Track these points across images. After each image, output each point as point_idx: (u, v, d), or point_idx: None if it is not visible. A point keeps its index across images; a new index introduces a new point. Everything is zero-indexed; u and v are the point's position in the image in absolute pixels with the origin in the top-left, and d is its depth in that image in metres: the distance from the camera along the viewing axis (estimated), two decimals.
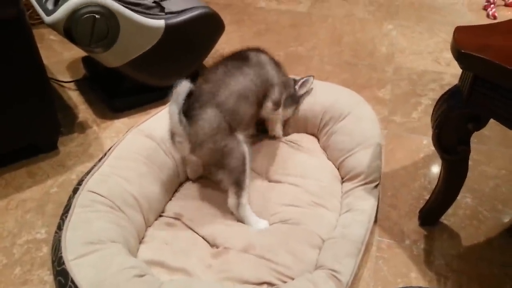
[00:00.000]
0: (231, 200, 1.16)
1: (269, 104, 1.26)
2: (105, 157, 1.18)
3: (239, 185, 1.14)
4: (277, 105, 1.29)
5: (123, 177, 1.14)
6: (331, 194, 1.25)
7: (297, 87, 1.38)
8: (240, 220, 1.17)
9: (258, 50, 1.29)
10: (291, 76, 1.43)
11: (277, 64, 1.30)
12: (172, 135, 1.12)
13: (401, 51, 2.07)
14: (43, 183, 1.38)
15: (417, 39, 2.17)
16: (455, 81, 1.84)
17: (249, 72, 1.18)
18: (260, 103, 1.23)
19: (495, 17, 2.34)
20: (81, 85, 1.83)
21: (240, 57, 1.22)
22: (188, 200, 1.24)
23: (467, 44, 0.88)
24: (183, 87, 1.06)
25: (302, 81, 1.38)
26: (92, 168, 1.16)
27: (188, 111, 1.08)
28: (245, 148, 1.16)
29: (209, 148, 1.10)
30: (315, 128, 1.44)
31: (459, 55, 0.88)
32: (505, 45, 0.88)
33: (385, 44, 2.13)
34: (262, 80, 1.21)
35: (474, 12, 2.42)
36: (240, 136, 1.16)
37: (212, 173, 1.19)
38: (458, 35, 0.91)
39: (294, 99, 1.39)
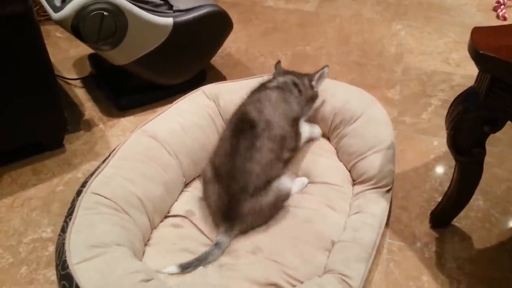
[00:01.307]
0: None
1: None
2: (109, 158, 1.16)
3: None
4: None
5: (127, 178, 1.12)
6: (340, 196, 1.23)
7: (314, 83, 1.32)
8: None
9: (263, 89, 1.24)
10: (305, 73, 1.37)
11: (288, 90, 1.25)
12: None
13: (410, 51, 2.05)
14: (48, 181, 1.37)
15: (426, 39, 2.15)
16: (464, 82, 1.84)
17: (265, 143, 1.12)
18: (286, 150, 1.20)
19: (505, 18, 2.31)
20: (87, 82, 1.81)
21: (250, 129, 1.13)
22: (196, 201, 1.22)
23: (485, 45, 0.86)
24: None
25: (317, 76, 1.32)
26: (95, 169, 1.14)
27: (227, 212, 1.09)
28: (288, 184, 1.17)
29: (258, 223, 1.13)
30: (326, 129, 1.41)
31: (477, 56, 0.86)
32: None
33: (393, 44, 2.11)
34: (281, 137, 1.17)
35: (483, 12, 2.39)
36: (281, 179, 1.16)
37: None
38: (476, 36, 0.89)
39: (313, 98, 1.33)
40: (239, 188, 1.08)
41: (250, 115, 1.15)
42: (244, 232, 1.11)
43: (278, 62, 1.39)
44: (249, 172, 1.09)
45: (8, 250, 1.16)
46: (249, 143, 1.11)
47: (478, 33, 0.91)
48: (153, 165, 1.18)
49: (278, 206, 1.15)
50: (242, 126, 1.14)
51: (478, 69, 0.90)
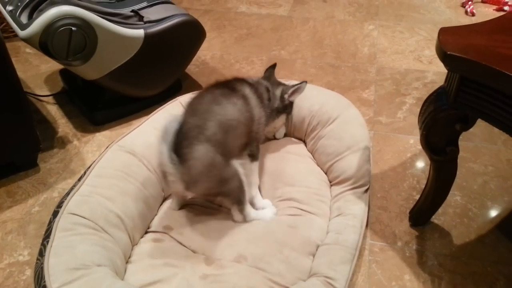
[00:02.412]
0: (237, 217, 1.16)
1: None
2: (85, 176, 1.14)
3: (240, 202, 1.13)
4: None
5: (105, 196, 1.09)
6: (319, 199, 1.24)
7: (286, 95, 1.32)
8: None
9: (241, 80, 1.23)
10: (282, 81, 1.38)
11: (260, 92, 1.24)
12: (164, 173, 1.07)
13: (383, 51, 2.07)
14: (23, 202, 1.33)
15: (398, 38, 2.18)
16: (438, 79, 1.87)
17: (236, 102, 1.12)
18: (249, 134, 1.17)
19: (473, 14, 2.37)
20: (59, 98, 1.78)
21: (226, 86, 1.16)
22: (175, 214, 1.20)
23: (452, 46, 0.87)
24: (171, 124, 1.03)
25: (293, 89, 1.32)
26: (71, 188, 1.11)
27: (178, 149, 1.02)
28: (240, 170, 1.12)
29: (204, 185, 1.08)
30: (302, 133, 1.42)
31: (445, 56, 0.87)
32: (490, 45, 0.88)
33: (366, 44, 2.13)
34: (248, 115, 1.15)
35: (452, 9, 2.44)
36: (235, 162, 1.11)
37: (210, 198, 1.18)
38: (443, 36, 0.91)
39: (282, 110, 1.33)
40: (197, 125, 1.04)
41: (233, 83, 1.19)
42: (188, 185, 1.04)
43: (273, 66, 1.40)
44: (213, 113, 1.07)
45: None
46: (227, 94, 1.12)
47: (445, 33, 0.92)
48: (132, 181, 1.16)
49: (228, 184, 1.09)
50: (225, 84, 1.18)
51: (447, 69, 0.92)
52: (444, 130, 1.00)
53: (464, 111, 0.95)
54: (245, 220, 1.16)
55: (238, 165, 1.12)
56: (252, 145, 1.19)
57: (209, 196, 1.16)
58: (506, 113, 0.86)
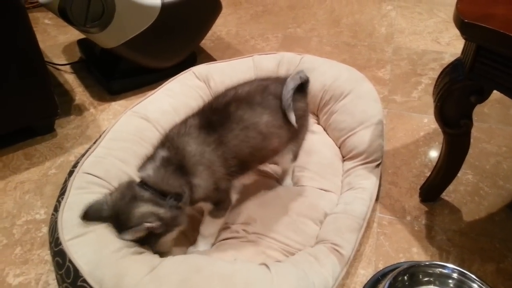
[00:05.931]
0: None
1: None
2: (100, 139, 1.17)
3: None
4: None
5: (119, 158, 1.12)
6: (333, 172, 1.25)
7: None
8: None
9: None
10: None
11: None
12: None
13: (400, 32, 2.05)
14: (41, 164, 1.37)
15: (417, 19, 2.15)
16: None
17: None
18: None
19: None
20: (77, 68, 1.80)
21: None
22: None
23: (470, 14, 0.86)
24: None
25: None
26: (87, 150, 1.14)
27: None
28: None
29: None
30: (315, 107, 1.42)
31: (462, 25, 0.86)
32: (508, 14, 0.87)
33: (384, 24, 2.11)
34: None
35: None
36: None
37: None
38: (461, 5, 0.89)
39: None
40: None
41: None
42: None
43: None
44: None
45: (2, 232, 1.16)
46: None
47: (463, 2, 0.91)
48: (145, 146, 1.18)
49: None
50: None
51: (463, 38, 0.91)
52: (459, 102, 0.99)
53: (480, 83, 0.94)
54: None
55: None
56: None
57: None
58: None
